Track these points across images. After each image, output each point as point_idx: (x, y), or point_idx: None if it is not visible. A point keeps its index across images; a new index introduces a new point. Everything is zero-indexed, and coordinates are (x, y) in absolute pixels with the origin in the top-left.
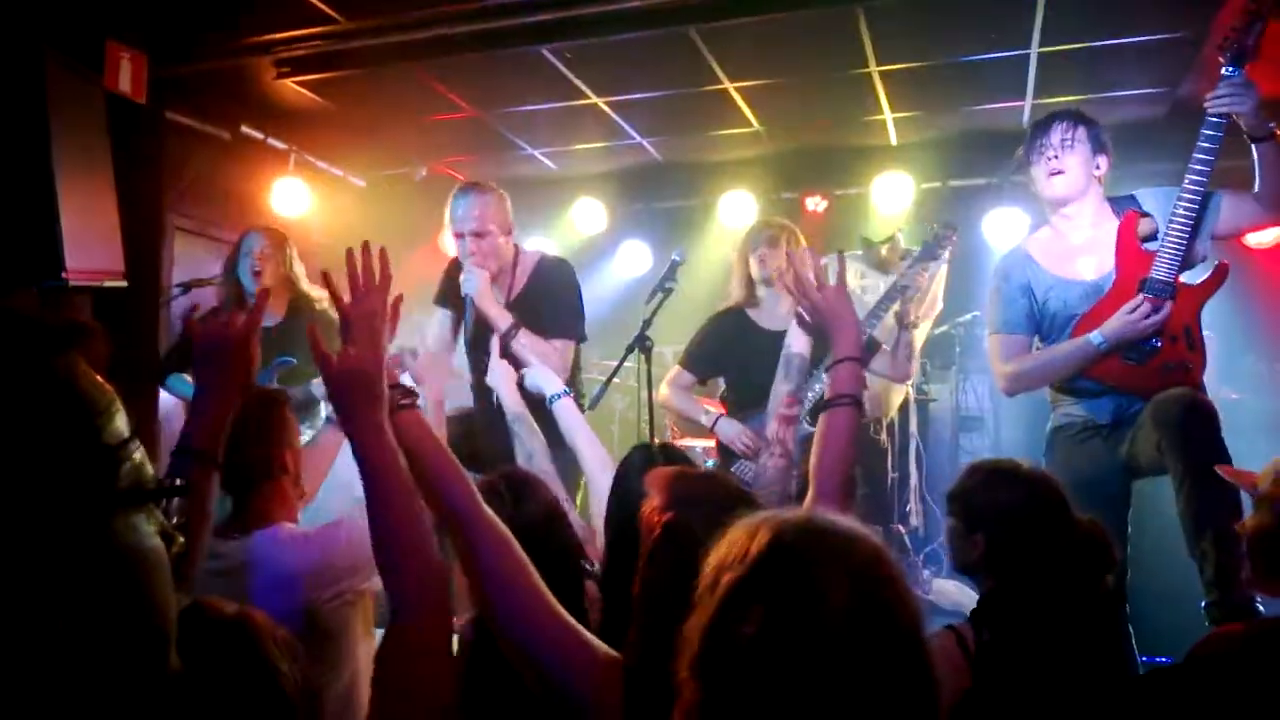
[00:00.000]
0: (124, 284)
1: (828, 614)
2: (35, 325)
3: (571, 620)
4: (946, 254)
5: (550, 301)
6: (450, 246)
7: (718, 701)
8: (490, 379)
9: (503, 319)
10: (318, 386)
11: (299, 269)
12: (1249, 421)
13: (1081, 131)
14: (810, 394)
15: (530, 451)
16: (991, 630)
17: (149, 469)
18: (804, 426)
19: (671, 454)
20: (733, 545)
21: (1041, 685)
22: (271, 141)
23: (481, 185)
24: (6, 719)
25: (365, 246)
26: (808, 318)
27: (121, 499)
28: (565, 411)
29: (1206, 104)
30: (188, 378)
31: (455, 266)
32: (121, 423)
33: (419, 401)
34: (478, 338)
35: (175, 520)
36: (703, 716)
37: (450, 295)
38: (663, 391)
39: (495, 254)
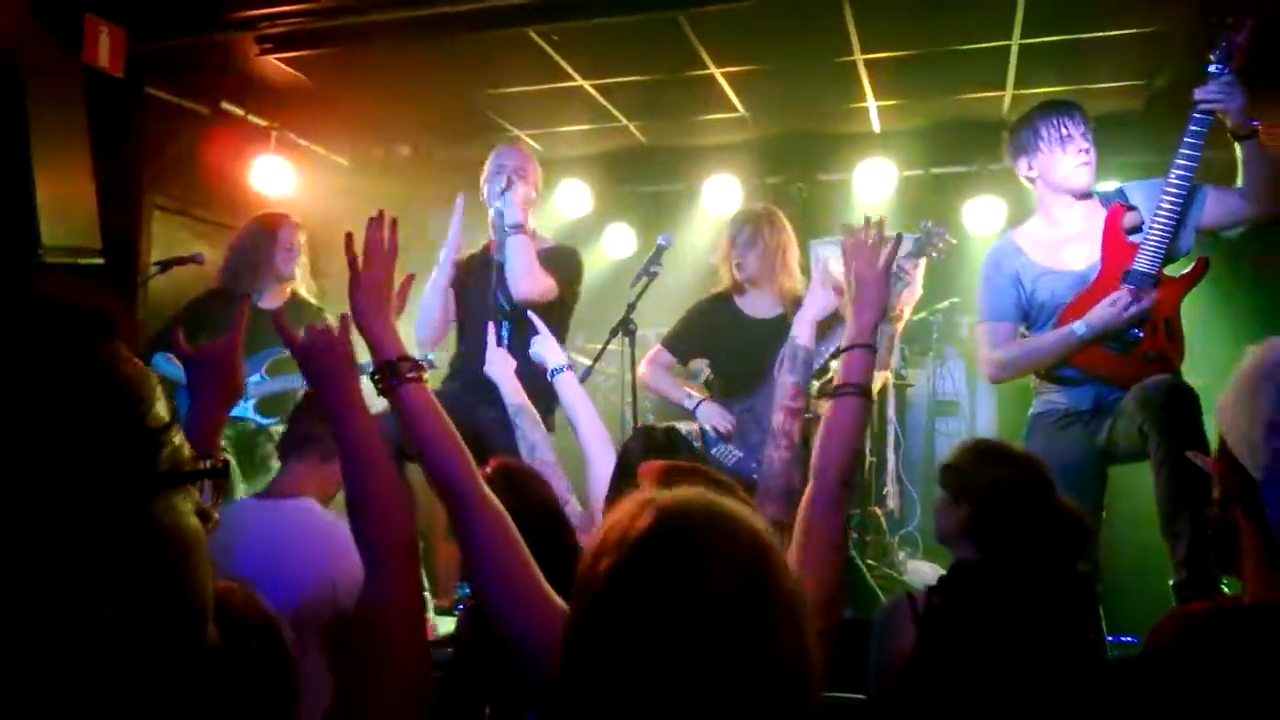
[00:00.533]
0: (100, 261)
1: (708, 599)
2: (79, 312)
3: (561, 603)
4: (934, 252)
5: (554, 263)
6: (432, 229)
7: (590, 685)
8: (489, 369)
9: (517, 215)
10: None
11: (307, 261)
12: (1212, 405)
13: (1091, 127)
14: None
15: (532, 443)
16: (943, 596)
17: (187, 450)
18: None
19: (674, 438)
20: (612, 528)
21: (987, 651)
22: (253, 119)
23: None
24: (52, 697)
25: (380, 215)
26: (840, 283)
27: (162, 480)
28: (566, 385)
29: (1196, 101)
30: (175, 360)
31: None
32: (162, 408)
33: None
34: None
35: (210, 500)
36: (574, 700)
37: (467, 283)
38: (641, 369)
39: (527, 197)
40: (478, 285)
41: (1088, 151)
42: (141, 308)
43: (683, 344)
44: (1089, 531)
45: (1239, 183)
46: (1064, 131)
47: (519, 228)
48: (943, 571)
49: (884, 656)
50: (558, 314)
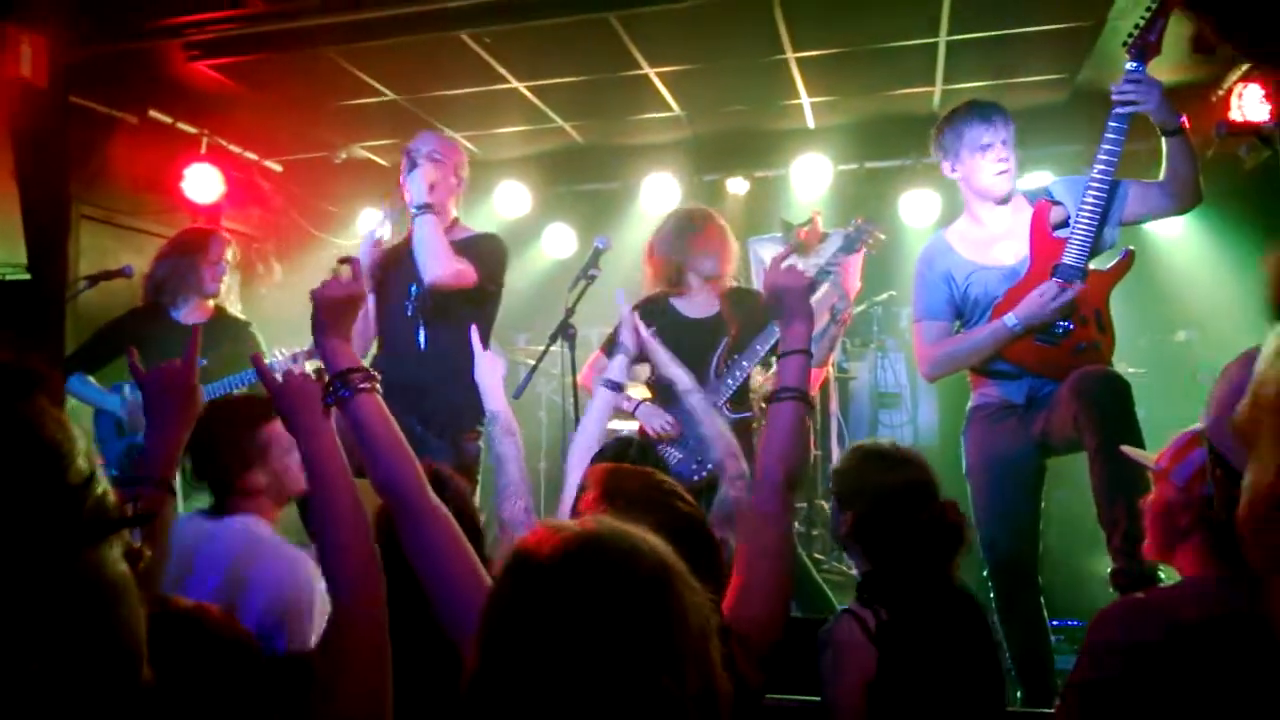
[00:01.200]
0: (27, 276)
1: (608, 625)
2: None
3: None
4: (865, 248)
5: (472, 247)
6: (369, 224)
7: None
8: (477, 374)
9: (422, 195)
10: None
11: (235, 276)
12: (1148, 394)
13: (1012, 129)
14: (731, 381)
15: (500, 455)
16: (890, 611)
17: (111, 499)
18: (726, 413)
19: (647, 453)
20: (520, 550)
21: (943, 658)
22: (182, 125)
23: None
24: None
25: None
26: (767, 297)
27: (85, 535)
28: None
29: (1112, 99)
30: (92, 380)
31: (374, 255)
32: (84, 460)
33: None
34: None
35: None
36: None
37: (382, 281)
38: (583, 376)
39: (444, 180)
40: (394, 281)
41: (1006, 160)
42: (70, 322)
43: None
44: (961, 527)
45: (1161, 176)
46: (984, 141)
47: (425, 208)
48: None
49: (846, 680)
50: (478, 304)
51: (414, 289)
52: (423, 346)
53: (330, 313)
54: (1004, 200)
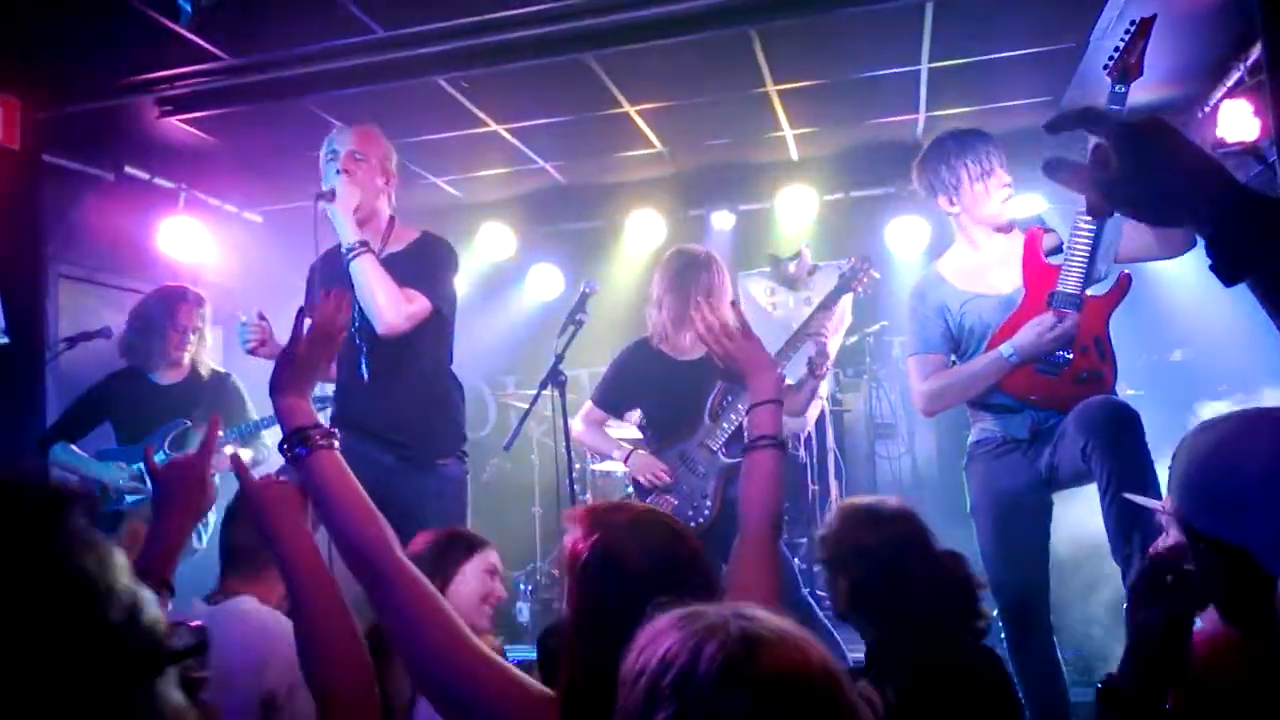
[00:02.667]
0: (5, 340)
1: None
2: (25, 499)
3: (500, 660)
4: (860, 288)
5: (416, 265)
6: None
7: None
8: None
9: (350, 234)
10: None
11: (209, 334)
12: (1146, 416)
13: (1002, 153)
14: (726, 424)
15: None
16: (895, 689)
17: (161, 625)
18: (720, 458)
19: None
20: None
21: None
22: (158, 181)
23: (372, 126)
24: None
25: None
26: (720, 365)
27: (136, 672)
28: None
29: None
30: (76, 449)
31: (314, 268)
32: (126, 588)
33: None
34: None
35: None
36: None
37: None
38: (576, 427)
39: (369, 186)
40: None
41: (1010, 185)
42: (51, 384)
43: (612, 397)
44: (969, 578)
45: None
46: (985, 165)
47: (360, 248)
48: None
49: None
50: (434, 330)
51: (354, 313)
52: (365, 378)
53: (291, 370)
54: (1006, 226)
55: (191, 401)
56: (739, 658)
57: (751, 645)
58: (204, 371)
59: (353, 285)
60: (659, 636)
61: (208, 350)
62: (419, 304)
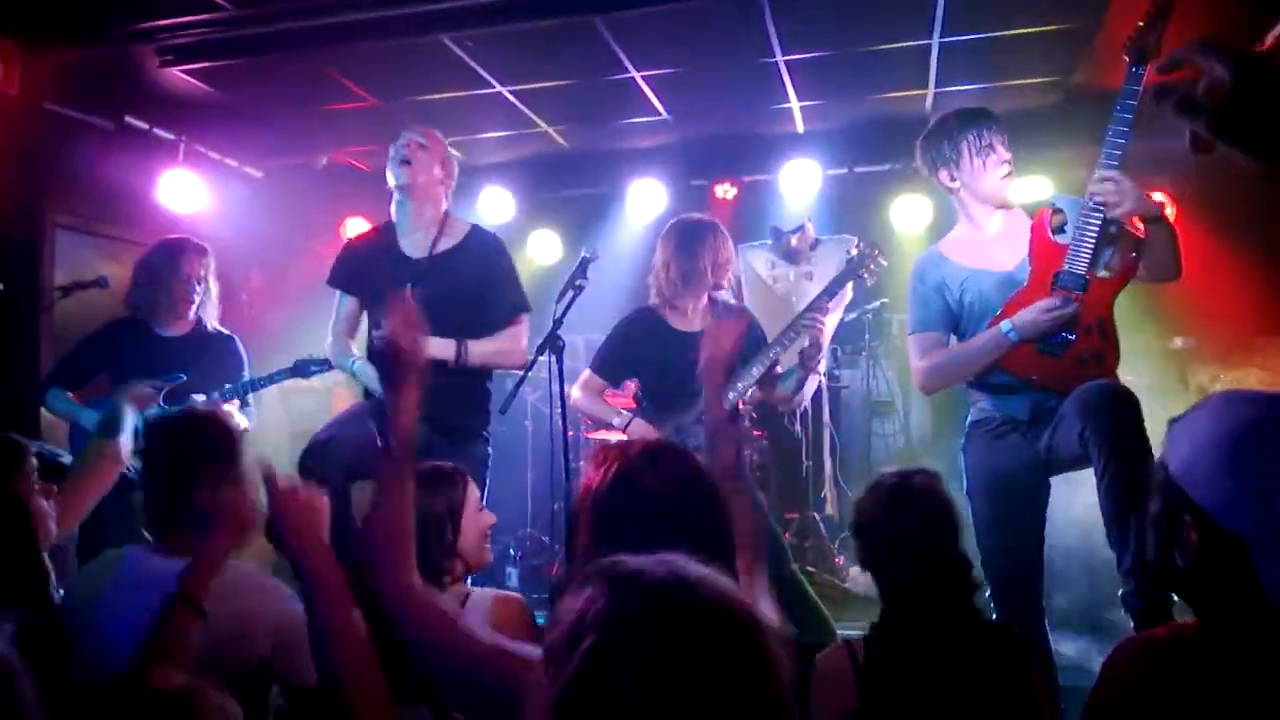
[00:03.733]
0: (0, 287)
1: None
2: None
3: (498, 638)
4: (866, 275)
5: (489, 273)
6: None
7: None
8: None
9: (446, 348)
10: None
11: (215, 289)
12: (1143, 402)
13: (1005, 134)
14: (725, 402)
15: None
16: (884, 646)
17: None
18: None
19: None
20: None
21: (928, 706)
22: (159, 132)
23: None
24: None
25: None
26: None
27: None
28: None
29: (1088, 193)
30: (71, 397)
31: (353, 246)
32: None
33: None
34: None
35: None
36: None
37: (352, 278)
38: (574, 394)
39: (429, 173)
40: (386, 278)
41: (1010, 163)
42: (46, 332)
43: (610, 366)
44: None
45: (1146, 249)
46: (984, 140)
47: (462, 354)
48: None
49: (825, 708)
50: (489, 324)
51: (411, 288)
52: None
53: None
54: (1005, 204)
55: (193, 356)
56: (657, 592)
57: (670, 583)
58: (209, 327)
59: (422, 263)
60: (583, 585)
61: (214, 305)
62: (523, 330)
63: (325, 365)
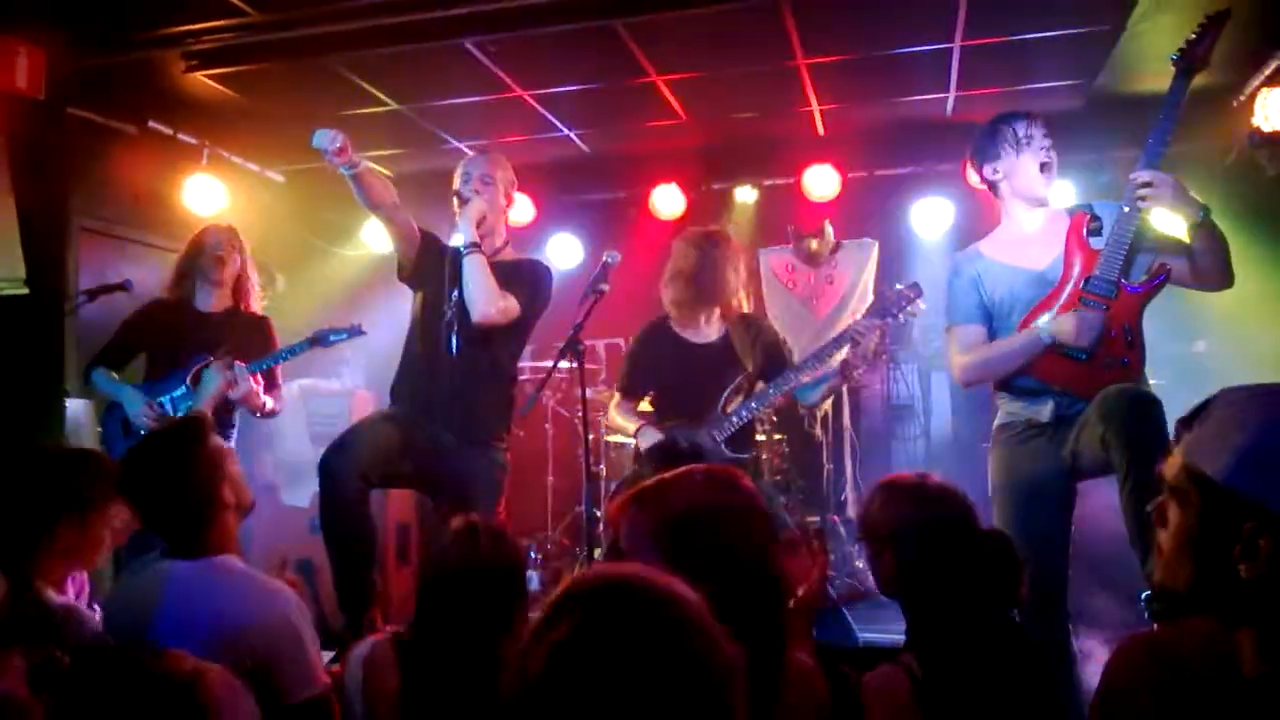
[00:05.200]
0: (25, 291)
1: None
2: None
3: None
4: (900, 315)
5: (516, 276)
6: (374, 242)
7: None
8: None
9: (470, 234)
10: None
11: (254, 274)
12: (1167, 406)
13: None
14: (736, 420)
15: None
16: (930, 663)
17: None
18: (724, 451)
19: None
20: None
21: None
22: (182, 137)
23: (495, 151)
24: None
25: None
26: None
27: None
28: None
29: (1126, 199)
30: (114, 376)
31: (426, 241)
32: None
33: None
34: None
35: None
36: None
37: (422, 271)
38: (611, 414)
39: (493, 205)
40: (435, 277)
41: (1048, 150)
42: (69, 336)
43: (634, 383)
44: (1014, 555)
45: (1191, 254)
46: (1027, 135)
47: (473, 248)
48: None
49: None
50: (519, 328)
51: (454, 294)
52: (454, 352)
53: None
54: (1043, 201)
55: (226, 333)
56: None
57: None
58: (245, 306)
59: (459, 275)
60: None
61: (255, 292)
62: (511, 303)
63: (345, 334)
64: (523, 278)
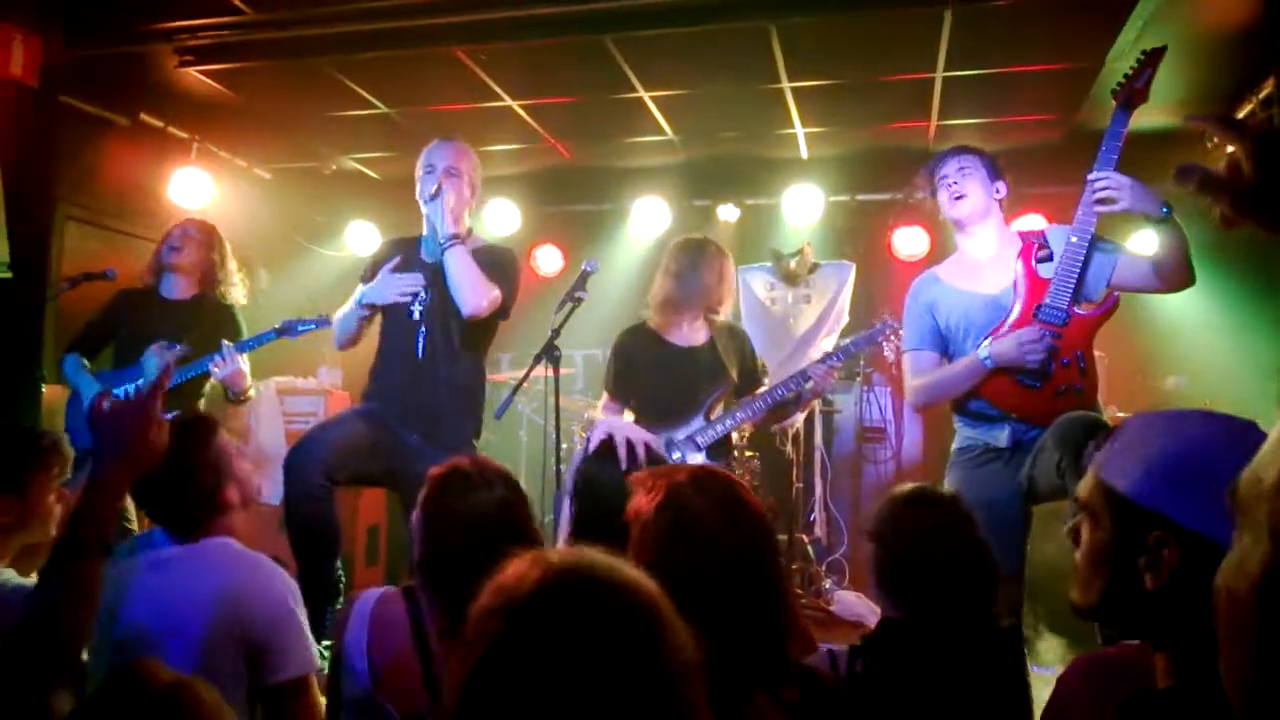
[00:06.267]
0: (8, 275)
1: (599, 662)
2: None
3: None
4: (886, 344)
5: (489, 265)
6: (357, 244)
7: None
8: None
9: (449, 226)
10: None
11: (230, 265)
12: None
13: (974, 160)
14: (720, 427)
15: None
16: (867, 662)
17: None
18: (704, 458)
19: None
20: (498, 590)
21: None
22: (173, 130)
23: (461, 140)
24: None
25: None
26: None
27: None
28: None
29: (1090, 191)
30: (84, 363)
31: (387, 247)
32: None
33: None
34: (436, 307)
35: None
36: None
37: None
38: (597, 416)
39: (460, 197)
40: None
41: (957, 184)
42: (50, 322)
43: (619, 386)
44: (995, 572)
45: (1151, 254)
46: (941, 175)
47: (453, 240)
48: (869, 602)
49: None
50: (489, 324)
51: (422, 295)
52: (420, 354)
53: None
54: (963, 224)
55: (192, 321)
56: (556, 580)
57: (571, 571)
58: (212, 294)
59: (437, 270)
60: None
61: (229, 277)
62: (496, 293)
63: (313, 324)
64: (500, 264)
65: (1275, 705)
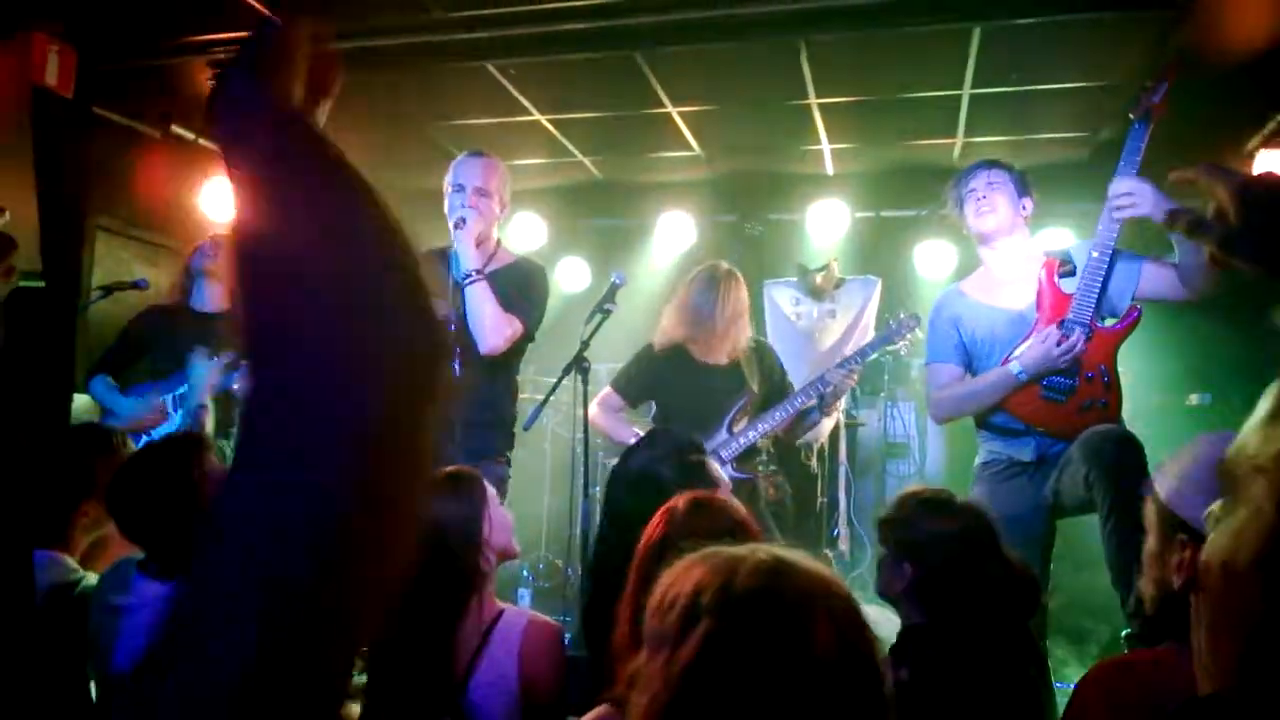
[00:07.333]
0: (41, 285)
1: (815, 660)
2: None
3: None
4: (901, 344)
5: (516, 287)
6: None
7: None
8: None
9: (470, 261)
10: None
11: None
12: (1153, 458)
13: (1003, 174)
14: (743, 439)
15: None
16: (910, 669)
17: None
18: (730, 470)
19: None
20: (701, 589)
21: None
22: (204, 142)
23: (491, 154)
24: None
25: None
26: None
27: None
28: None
29: (1107, 208)
30: (111, 382)
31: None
32: None
33: None
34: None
35: None
36: None
37: None
38: (591, 410)
39: (489, 217)
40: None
41: (985, 199)
42: (82, 333)
43: (632, 387)
44: (1036, 587)
45: (1177, 258)
46: (968, 189)
47: (475, 276)
48: (893, 616)
49: None
50: (520, 345)
51: (452, 314)
52: (456, 370)
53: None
54: (991, 239)
55: (221, 330)
56: (770, 576)
57: (779, 566)
58: None
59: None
60: (685, 572)
61: None
62: (515, 328)
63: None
64: (526, 286)
65: (1273, 679)
